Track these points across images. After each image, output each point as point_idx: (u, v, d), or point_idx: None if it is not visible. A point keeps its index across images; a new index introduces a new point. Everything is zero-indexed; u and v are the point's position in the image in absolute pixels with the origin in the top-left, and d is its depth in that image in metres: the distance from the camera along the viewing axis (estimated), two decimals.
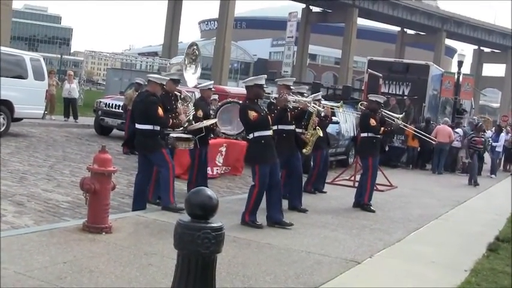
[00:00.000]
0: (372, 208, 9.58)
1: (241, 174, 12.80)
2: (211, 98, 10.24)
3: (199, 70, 9.61)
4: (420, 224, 8.87)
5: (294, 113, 8.40)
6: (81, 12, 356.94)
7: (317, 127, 9.37)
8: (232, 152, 12.40)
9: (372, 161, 9.77)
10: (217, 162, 11.89)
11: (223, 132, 10.25)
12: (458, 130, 18.73)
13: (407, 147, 18.22)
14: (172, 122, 7.86)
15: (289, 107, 8.14)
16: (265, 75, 7.88)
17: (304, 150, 9.02)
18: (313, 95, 11.21)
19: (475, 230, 8.83)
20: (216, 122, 9.32)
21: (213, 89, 9.84)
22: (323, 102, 10.98)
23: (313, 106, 8.82)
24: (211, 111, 9.66)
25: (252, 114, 7.30)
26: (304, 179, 9.81)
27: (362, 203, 9.69)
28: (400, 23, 78.50)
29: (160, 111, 7.54)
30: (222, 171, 12.33)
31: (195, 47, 9.70)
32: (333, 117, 11.61)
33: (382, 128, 9.86)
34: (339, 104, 10.77)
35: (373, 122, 9.73)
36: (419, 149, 18.23)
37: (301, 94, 9.44)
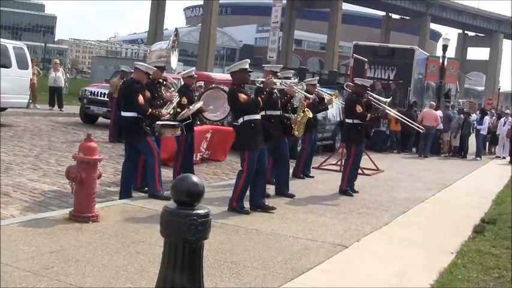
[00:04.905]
0: (350, 192, 9.56)
1: (224, 159, 12.78)
2: (196, 85, 10.26)
3: (177, 54, 10.77)
4: (407, 207, 8.92)
5: (283, 101, 8.39)
6: (64, 0, 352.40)
7: (306, 109, 9.31)
8: (217, 138, 12.36)
9: (354, 148, 9.69)
10: (201, 148, 11.85)
11: (208, 119, 10.31)
12: (438, 112, 18.73)
13: (390, 132, 18.26)
14: (151, 111, 7.57)
15: (276, 93, 8.13)
16: (249, 60, 7.84)
17: (296, 133, 8.95)
18: (308, 80, 11.40)
19: (461, 213, 8.91)
20: (202, 107, 9.28)
21: (195, 76, 9.87)
22: (318, 88, 10.93)
23: (300, 92, 8.82)
24: (195, 98, 9.63)
25: (242, 96, 7.27)
26: (292, 164, 9.81)
27: (341, 188, 9.67)
28: (385, 8, 78.48)
29: (141, 98, 7.41)
30: (205, 155, 12.30)
31: (175, 32, 10.72)
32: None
33: (369, 115, 9.60)
34: (333, 94, 10.84)
35: (359, 108, 9.52)
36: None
37: (288, 79, 9.40)
